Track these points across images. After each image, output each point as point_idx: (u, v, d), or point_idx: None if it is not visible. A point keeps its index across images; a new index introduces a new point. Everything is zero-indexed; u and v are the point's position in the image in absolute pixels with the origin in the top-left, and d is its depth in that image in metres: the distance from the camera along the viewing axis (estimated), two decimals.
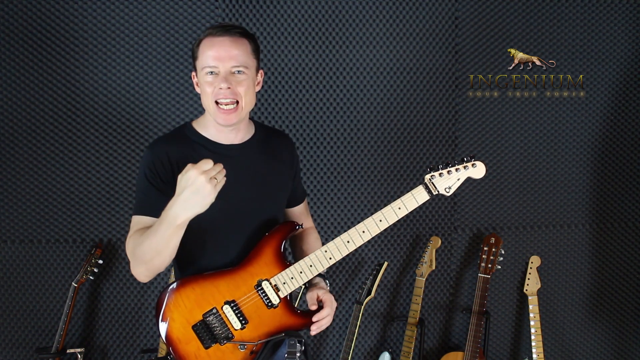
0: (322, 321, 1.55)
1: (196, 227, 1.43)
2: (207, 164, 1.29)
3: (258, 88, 1.60)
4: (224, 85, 1.47)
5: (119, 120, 2.54)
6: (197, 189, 1.27)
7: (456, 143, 2.73)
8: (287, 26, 2.57)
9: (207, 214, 1.34)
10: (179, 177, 1.30)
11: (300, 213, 1.83)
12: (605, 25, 2.73)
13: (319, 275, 1.66)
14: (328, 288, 1.65)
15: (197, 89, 1.57)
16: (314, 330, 1.55)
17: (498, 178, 2.76)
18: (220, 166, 1.32)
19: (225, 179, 1.33)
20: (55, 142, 2.52)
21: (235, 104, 1.49)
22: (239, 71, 1.49)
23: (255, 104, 1.66)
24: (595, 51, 2.74)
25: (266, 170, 1.63)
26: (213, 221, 1.50)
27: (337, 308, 1.64)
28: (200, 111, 2.55)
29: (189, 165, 1.29)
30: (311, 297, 1.60)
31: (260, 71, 1.61)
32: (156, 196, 1.48)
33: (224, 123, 1.51)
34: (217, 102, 1.49)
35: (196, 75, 1.56)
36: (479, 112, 2.72)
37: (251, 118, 1.68)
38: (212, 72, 1.49)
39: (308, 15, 2.57)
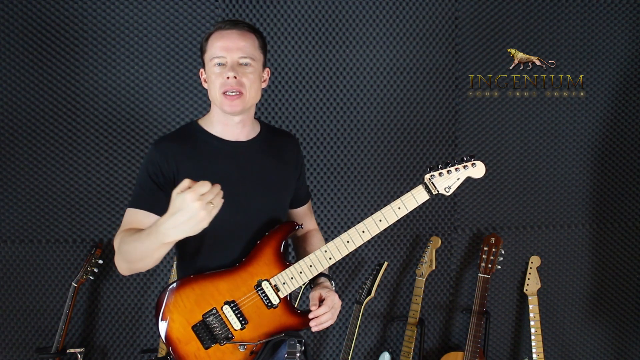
0: (321, 317, 1.54)
1: None
2: (204, 187, 1.18)
3: (264, 85, 1.61)
4: (231, 74, 1.48)
5: (118, 120, 2.54)
6: (192, 214, 1.18)
7: (456, 143, 2.73)
8: (287, 26, 2.57)
9: None
10: (174, 193, 1.20)
11: (304, 214, 1.83)
12: (605, 25, 2.73)
13: (324, 275, 1.66)
14: (333, 288, 1.64)
15: (205, 85, 1.58)
16: (313, 325, 1.54)
17: (498, 178, 2.76)
18: (217, 188, 1.22)
19: (222, 201, 1.25)
20: (55, 142, 2.52)
21: (239, 94, 1.50)
22: (246, 63, 1.51)
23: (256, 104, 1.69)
24: (595, 51, 2.74)
25: (271, 168, 1.63)
26: (217, 219, 1.50)
27: None
28: (200, 111, 2.55)
29: (186, 182, 1.19)
30: (313, 296, 1.59)
31: (267, 69, 1.62)
32: (155, 192, 1.49)
33: (230, 110, 1.51)
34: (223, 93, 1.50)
35: (204, 70, 1.57)
36: (479, 112, 2.72)
37: (257, 118, 1.68)
38: (220, 63, 1.50)
39: (308, 15, 2.57)
